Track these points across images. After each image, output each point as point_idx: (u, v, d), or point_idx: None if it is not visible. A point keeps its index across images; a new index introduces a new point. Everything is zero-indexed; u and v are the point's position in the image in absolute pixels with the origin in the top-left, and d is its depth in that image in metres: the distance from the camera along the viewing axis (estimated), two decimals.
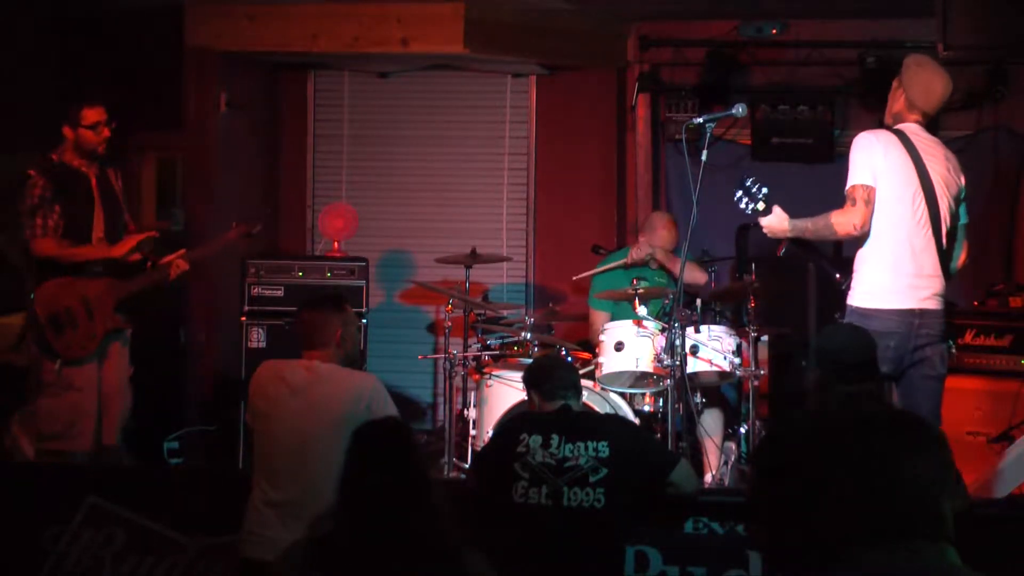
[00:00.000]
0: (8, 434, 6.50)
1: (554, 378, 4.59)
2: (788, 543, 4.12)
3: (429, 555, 3.13)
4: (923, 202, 5.02)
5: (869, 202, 4.95)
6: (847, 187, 5.01)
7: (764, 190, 5.10)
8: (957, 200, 5.14)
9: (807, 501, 4.00)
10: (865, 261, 5.05)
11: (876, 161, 4.98)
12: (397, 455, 3.23)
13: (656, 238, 6.87)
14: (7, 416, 6.46)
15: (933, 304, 5.06)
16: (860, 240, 5.04)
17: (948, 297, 5.24)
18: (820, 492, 3.54)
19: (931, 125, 5.22)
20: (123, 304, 6.05)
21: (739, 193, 5.14)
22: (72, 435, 5.94)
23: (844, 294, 5.18)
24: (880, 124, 5.27)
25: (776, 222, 5.10)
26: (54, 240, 5.93)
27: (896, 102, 5.16)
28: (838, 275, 5.27)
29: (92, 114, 6.02)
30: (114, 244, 6.06)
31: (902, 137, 5.05)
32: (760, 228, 5.18)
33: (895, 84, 5.19)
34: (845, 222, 4.97)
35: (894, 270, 5.00)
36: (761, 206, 5.09)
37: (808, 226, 5.08)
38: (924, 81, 5.11)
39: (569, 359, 6.16)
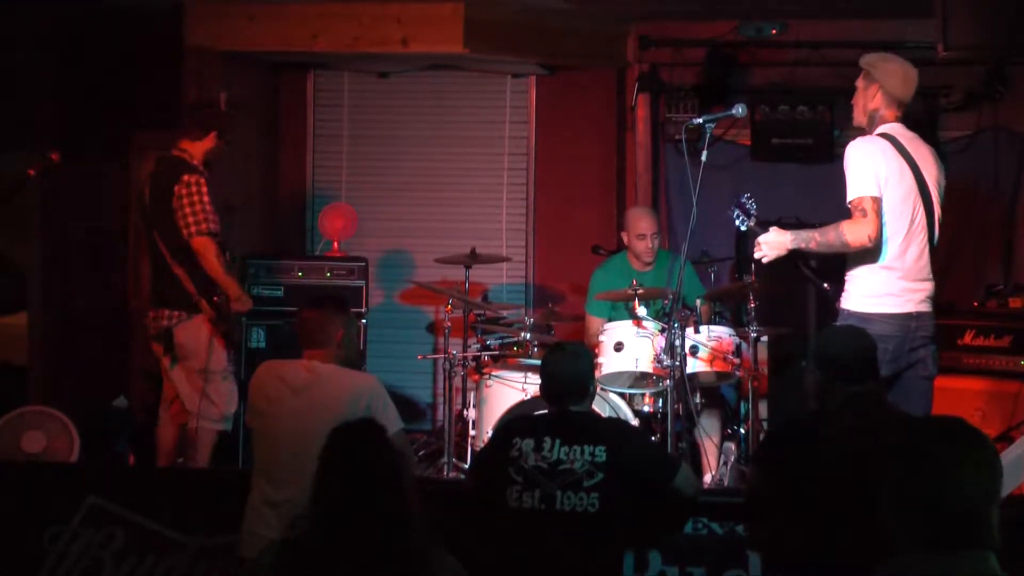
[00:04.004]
0: None
1: (551, 380, 4.58)
2: (788, 543, 4.13)
3: (398, 557, 3.13)
4: (921, 209, 5.02)
5: (879, 212, 4.90)
6: (851, 199, 4.93)
7: (756, 206, 5.23)
8: (943, 197, 5.15)
9: (809, 501, 4.01)
10: (862, 266, 5.02)
11: (879, 170, 4.93)
12: (367, 457, 3.23)
13: (635, 230, 6.87)
14: None
15: (926, 307, 5.07)
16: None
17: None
18: (865, 495, 3.54)
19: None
20: None
21: (736, 211, 5.33)
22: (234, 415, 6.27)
23: (833, 301, 5.19)
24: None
25: (776, 238, 5.09)
26: (215, 244, 6.06)
27: (872, 101, 5.09)
28: (826, 284, 5.28)
29: (233, 133, 6.38)
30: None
31: (894, 143, 5.01)
32: (758, 234, 5.18)
33: (862, 85, 5.13)
34: (859, 234, 4.90)
35: (893, 276, 4.99)
36: (752, 222, 5.17)
37: (816, 236, 5.02)
38: (900, 72, 5.10)
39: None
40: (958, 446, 2.55)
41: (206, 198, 6.05)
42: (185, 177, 6.05)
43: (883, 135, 5.05)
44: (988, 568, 2.52)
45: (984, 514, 2.52)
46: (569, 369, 4.56)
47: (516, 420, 4.98)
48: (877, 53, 5.25)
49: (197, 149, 6.22)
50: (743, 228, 5.39)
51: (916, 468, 2.55)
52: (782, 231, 5.12)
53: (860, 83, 5.17)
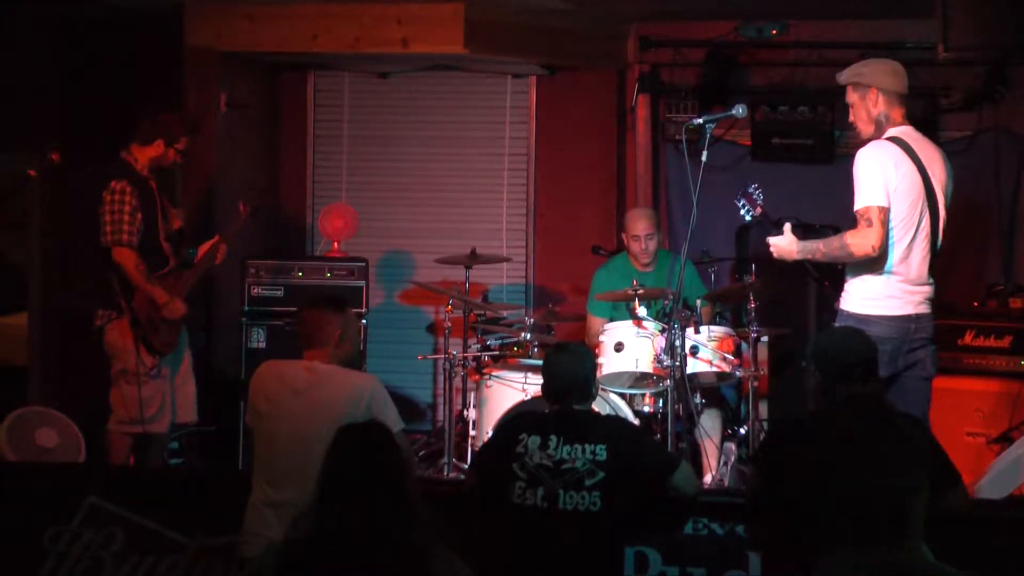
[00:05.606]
0: None
1: (554, 381, 4.58)
2: (788, 542, 4.13)
3: (401, 556, 3.13)
4: (927, 214, 5.01)
5: (884, 222, 4.89)
6: (858, 207, 4.92)
7: (762, 196, 5.24)
8: (949, 200, 5.14)
9: (807, 501, 4.01)
10: (864, 268, 5.02)
11: (889, 178, 4.91)
12: (372, 458, 3.23)
13: (631, 231, 6.88)
14: None
15: (926, 308, 5.08)
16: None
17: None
18: (815, 492, 3.58)
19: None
20: (188, 297, 6.36)
21: (742, 201, 5.33)
22: (159, 418, 6.26)
23: (832, 299, 5.19)
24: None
25: (785, 244, 5.09)
26: (135, 254, 6.11)
27: (874, 106, 5.06)
28: (826, 282, 5.28)
29: (186, 141, 6.38)
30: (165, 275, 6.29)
31: (905, 147, 5.00)
32: (760, 228, 5.20)
33: (857, 97, 5.10)
34: (862, 244, 4.90)
35: (894, 278, 4.99)
36: (759, 211, 5.17)
37: (820, 247, 5.03)
38: (888, 67, 5.11)
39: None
40: (886, 444, 2.59)
41: (127, 207, 6.10)
42: (112, 184, 6.13)
43: (893, 139, 5.03)
44: (921, 558, 2.55)
45: (910, 509, 2.56)
46: (572, 370, 4.57)
47: (523, 415, 4.97)
48: (851, 66, 5.21)
49: (143, 155, 6.29)
50: (748, 218, 5.39)
51: (845, 465, 2.60)
52: (792, 238, 5.10)
53: (853, 97, 5.12)
